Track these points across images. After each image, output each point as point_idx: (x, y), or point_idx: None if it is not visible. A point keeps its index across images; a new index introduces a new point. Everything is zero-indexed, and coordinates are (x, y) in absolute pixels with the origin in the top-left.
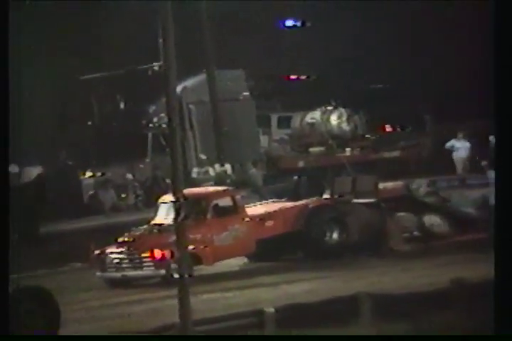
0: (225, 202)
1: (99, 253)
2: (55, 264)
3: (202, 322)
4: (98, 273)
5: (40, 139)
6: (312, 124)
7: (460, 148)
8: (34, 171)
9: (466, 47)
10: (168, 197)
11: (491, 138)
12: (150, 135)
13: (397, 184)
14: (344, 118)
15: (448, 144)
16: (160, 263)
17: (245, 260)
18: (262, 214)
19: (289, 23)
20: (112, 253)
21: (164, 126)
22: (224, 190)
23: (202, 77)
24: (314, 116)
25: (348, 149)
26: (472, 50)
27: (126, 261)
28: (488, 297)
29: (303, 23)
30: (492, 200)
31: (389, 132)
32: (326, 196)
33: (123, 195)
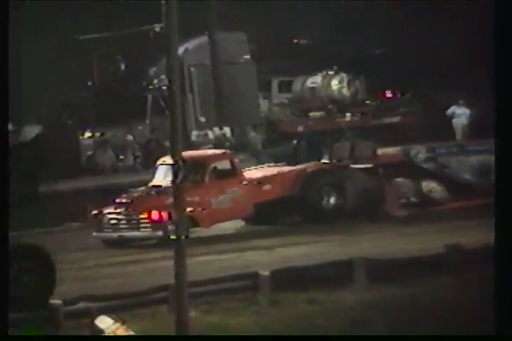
0: (224, 165)
1: (96, 214)
2: (52, 224)
3: (197, 283)
4: (95, 234)
5: (40, 99)
6: (313, 89)
7: (460, 114)
8: (33, 130)
9: (470, 12)
10: (167, 159)
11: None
12: (150, 97)
13: (396, 150)
14: (345, 83)
15: (449, 111)
16: (157, 224)
17: (242, 223)
18: (259, 178)
19: None
20: (109, 213)
21: (164, 88)
22: (223, 153)
23: (204, 39)
24: (315, 80)
25: (348, 114)
26: (477, 16)
27: (124, 221)
28: (483, 263)
29: None
30: (490, 167)
31: (389, 98)
32: (324, 161)
33: (121, 156)
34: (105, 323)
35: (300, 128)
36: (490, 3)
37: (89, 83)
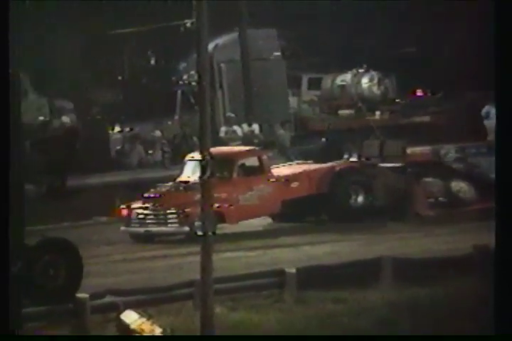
0: (252, 161)
1: (124, 208)
2: (80, 217)
3: (223, 280)
4: (122, 228)
5: (72, 92)
6: (342, 86)
7: (495, 114)
8: (64, 123)
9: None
10: (195, 155)
11: None
12: (179, 92)
13: (426, 149)
14: (375, 81)
15: (484, 110)
16: (184, 220)
17: (269, 220)
18: (287, 175)
19: None
20: (137, 208)
21: (194, 83)
22: (251, 150)
23: (234, 35)
24: (345, 78)
25: (377, 113)
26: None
27: (151, 216)
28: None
29: None
30: None
31: (420, 96)
32: (353, 159)
33: (150, 151)
34: (131, 318)
35: (330, 126)
36: None
37: (120, 78)
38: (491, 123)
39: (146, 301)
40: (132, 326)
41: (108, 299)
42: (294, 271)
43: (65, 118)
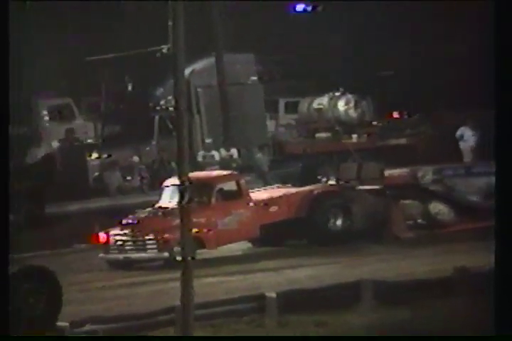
0: (230, 186)
1: (100, 234)
2: (59, 245)
3: (204, 305)
4: (101, 255)
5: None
6: (319, 110)
7: (469, 136)
8: (41, 151)
9: (475, 35)
10: (173, 181)
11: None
12: (157, 117)
13: (403, 171)
14: (351, 104)
15: (458, 132)
16: (163, 245)
17: (248, 244)
18: (266, 199)
19: (300, 7)
20: (115, 234)
21: (171, 109)
22: (229, 175)
23: (211, 60)
24: (322, 101)
25: (354, 135)
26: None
27: (130, 243)
28: (490, 287)
29: (313, 8)
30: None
31: (396, 119)
32: (331, 182)
33: (128, 177)
34: None
35: (307, 150)
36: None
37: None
38: (465, 145)
39: (127, 328)
40: None
41: (88, 327)
42: (274, 295)
43: (41, 148)
